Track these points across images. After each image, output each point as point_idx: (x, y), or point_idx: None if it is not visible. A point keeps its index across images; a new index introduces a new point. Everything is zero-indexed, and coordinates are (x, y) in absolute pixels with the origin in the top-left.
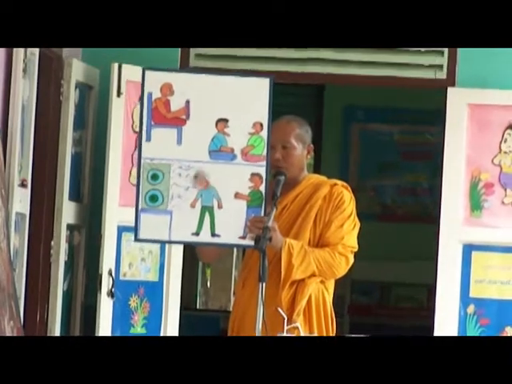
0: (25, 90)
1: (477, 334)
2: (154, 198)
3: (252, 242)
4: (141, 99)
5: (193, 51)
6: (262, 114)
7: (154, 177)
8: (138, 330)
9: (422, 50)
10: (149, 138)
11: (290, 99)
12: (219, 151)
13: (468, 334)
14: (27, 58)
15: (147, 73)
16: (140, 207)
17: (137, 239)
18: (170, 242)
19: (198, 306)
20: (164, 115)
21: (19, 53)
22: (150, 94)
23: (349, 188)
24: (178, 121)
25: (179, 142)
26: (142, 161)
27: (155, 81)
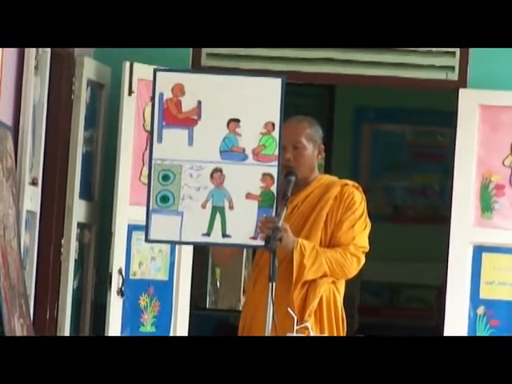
0: (36, 88)
1: (486, 336)
2: (165, 199)
3: (263, 243)
4: (152, 100)
5: (204, 50)
6: (274, 113)
7: (165, 177)
8: (148, 328)
9: (434, 50)
10: (160, 139)
11: (301, 99)
12: (230, 151)
13: (477, 335)
14: (39, 56)
15: (158, 73)
16: (151, 208)
17: (148, 240)
18: (181, 243)
19: (207, 306)
20: (175, 116)
21: (31, 51)
22: (161, 95)
23: (360, 188)
24: (189, 121)
25: (190, 142)
26: (153, 161)
27: (166, 81)
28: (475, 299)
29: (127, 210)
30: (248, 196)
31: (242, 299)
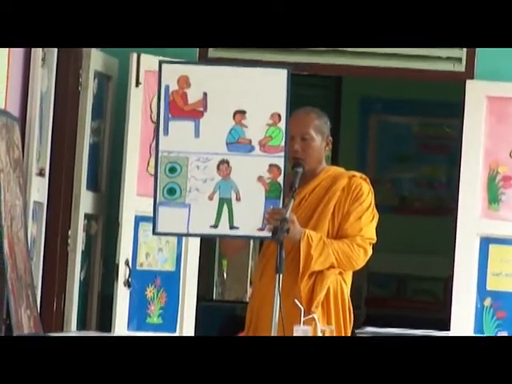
0: (43, 80)
1: (493, 327)
2: (171, 191)
3: (270, 234)
4: (158, 92)
5: None
6: (280, 104)
7: (172, 170)
8: (155, 320)
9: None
10: (166, 131)
11: (308, 90)
12: (237, 143)
13: (484, 327)
14: (46, 48)
15: (164, 66)
16: (158, 200)
17: (155, 233)
18: (189, 235)
19: (214, 297)
20: (181, 108)
21: None
22: (167, 87)
23: (367, 180)
24: (195, 113)
25: (197, 134)
26: (160, 154)
27: (172, 73)
28: (482, 291)
29: (134, 201)
30: (259, 179)
31: (249, 290)
